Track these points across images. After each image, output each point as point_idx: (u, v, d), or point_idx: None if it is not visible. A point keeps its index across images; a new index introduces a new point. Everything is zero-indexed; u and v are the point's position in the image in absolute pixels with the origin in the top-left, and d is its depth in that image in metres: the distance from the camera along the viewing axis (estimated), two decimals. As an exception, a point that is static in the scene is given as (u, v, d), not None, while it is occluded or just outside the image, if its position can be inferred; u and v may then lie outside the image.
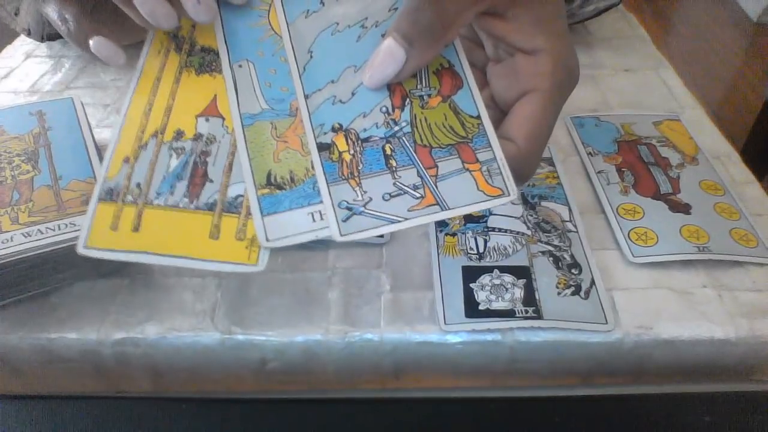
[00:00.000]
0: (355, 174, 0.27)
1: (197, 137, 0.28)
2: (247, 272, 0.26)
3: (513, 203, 0.40)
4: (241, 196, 0.27)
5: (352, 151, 0.27)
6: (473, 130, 0.28)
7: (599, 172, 0.44)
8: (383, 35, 0.28)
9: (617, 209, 0.40)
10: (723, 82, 1.88)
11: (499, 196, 0.26)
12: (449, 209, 0.26)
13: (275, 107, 0.28)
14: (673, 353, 0.34)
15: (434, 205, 0.26)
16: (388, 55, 0.26)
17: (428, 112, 0.28)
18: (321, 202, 0.26)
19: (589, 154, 0.45)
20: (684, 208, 0.40)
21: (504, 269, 0.36)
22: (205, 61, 0.29)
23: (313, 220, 0.26)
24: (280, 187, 0.27)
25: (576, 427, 0.32)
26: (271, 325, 0.34)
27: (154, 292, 0.35)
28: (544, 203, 0.40)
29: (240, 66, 0.29)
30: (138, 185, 0.27)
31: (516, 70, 0.28)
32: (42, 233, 0.33)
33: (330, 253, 0.38)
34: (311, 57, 0.29)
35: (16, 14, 0.56)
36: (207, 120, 0.29)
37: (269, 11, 0.29)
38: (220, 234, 0.27)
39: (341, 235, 0.26)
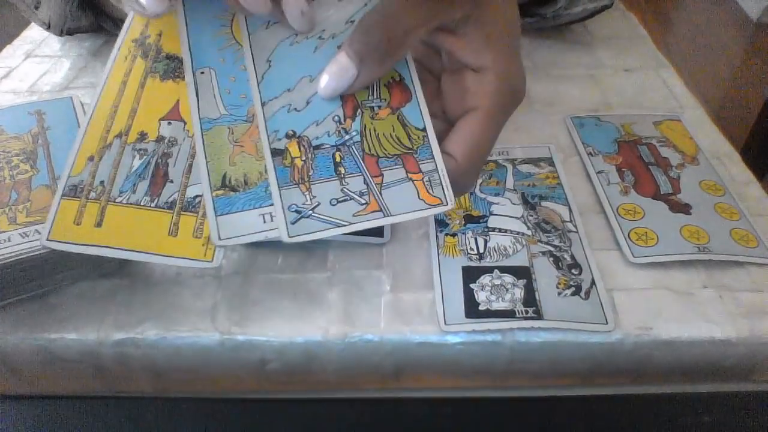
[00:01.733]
0: (306, 179, 0.28)
1: (159, 139, 0.30)
2: (201, 268, 0.28)
3: (513, 203, 0.40)
4: (200, 196, 0.29)
5: (304, 158, 0.28)
6: (418, 141, 0.29)
7: (599, 172, 0.44)
8: (339, 47, 0.29)
9: (617, 209, 0.40)
10: (723, 82, 1.88)
11: (437, 205, 0.28)
12: (391, 215, 0.28)
13: (233, 113, 0.29)
14: (673, 353, 0.34)
15: (378, 211, 0.28)
16: (341, 69, 0.28)
17: (377, 123, 0.29)
18: (272, 204, 0.27)
19: (590, 154, 0.45)
20: (684, 209, 0.40)
21: (504, 269, 0.36)
22: (169, 68, 0.31)
23: (264, 222, 0.27)
24: (234, 189, 0.28)
25: (576, 427, 0.32)
26: (271, 325, 0.34)
27: (154, 292, 0.35)
28: (544, 203, 0.40)
29: (202, 73, 0.30)
30: (102, 183, 0.29)
31: (462, 85, 0.29)
32: (40, 233, 0.33)
33: (330, 254, 0.38)
34: (270, 66, 0.30)
35: (36, 7, 0.56)
36: (169, 123, 0.30)
37: (232, 21, 0.31)
38: (179, 231, 0.29)
39: (289, 237, 0.27)
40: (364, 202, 0.28)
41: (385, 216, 0.28)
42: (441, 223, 0.39)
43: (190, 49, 0.30)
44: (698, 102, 0.53)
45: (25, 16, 0.58)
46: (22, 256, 0.32)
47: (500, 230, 0.38)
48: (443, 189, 0.28)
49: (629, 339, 0.33)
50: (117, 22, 0.56)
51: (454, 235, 0.38)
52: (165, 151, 0.30)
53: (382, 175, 0.28)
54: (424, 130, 0.29)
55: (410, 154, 0.29)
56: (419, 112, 0.29)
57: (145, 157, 0.30)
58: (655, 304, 0.35)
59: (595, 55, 0.59)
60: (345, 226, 0.27)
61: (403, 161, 0.29)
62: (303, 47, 0.30)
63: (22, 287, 0.34)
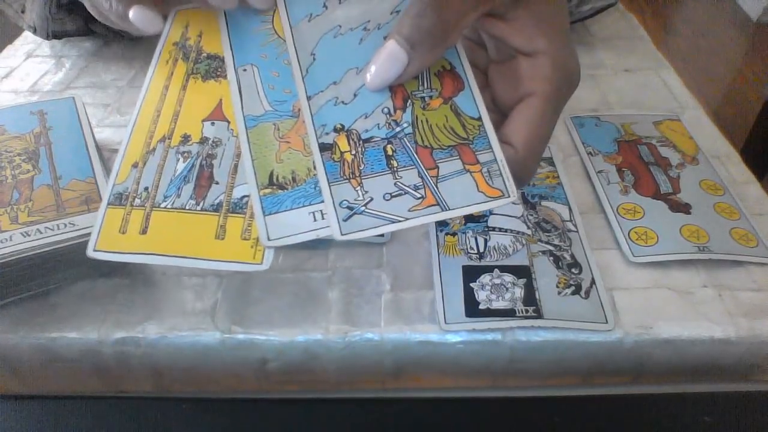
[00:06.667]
0: (357, 174, 0.27)
1: (203, 141, 0.29)
2: (251, 271, 0.26)
3: (513, 203, 0.40)
4: (247, 196, 0.28)
5: (353, 152, 0.27)
6: (474, 131, 0.28)
7: (599, 171, 0.44)
8: (385, 37, 0.28)
9: (617, 209, 0.40)
10: (723, 82, 1.88)
11: (498, 197, 0.27)
12: (449, 210, 0.26)
13: (278, 109, 0.28)
14: (673, 353, 0.34)
15: (435, 205, 0.26)
16: (391, 58, 0.27)
17: (429, 114, 0.28)
18: (322, 201, 0.26)
19: (590, 153, 0.45)
20: (684, 208, 0.40)
21: (504, 269, 0.36)
22: (211, 68, 0.30)
23: (314, 220, 0.26)
24: (282, 187, 0.27)
25: (576, 427, 0.32)
26: (272, 324, 0.34)
27: (154, 291, 0.35)
28: (544, 203, 0.40)
29: (245, 70, 0.29)
30: (146, 189, 0.28)
31: (516, 72, 0.28)
32: (41, 233, 0.33)
33: (330, 253, 0.38)
34: (314, 59, 0.29)
35: (22, 12, 0.56)
36: (212, 124, 0.29)
37: (273, 16, 0.30)
38: (226, 234, 0.27)
39: (342, 234, 0.26)
40: (419, 196, 0.26)
41: (443, 210, 0.26)
42: (441, 222, 0.39)
43: (231, 47, 0.30)
44: (698, 102, 0.53)
45: (14, 21, 0.58)
46: (23, 255, 0.32)
47: (500, 229, 0.38)
48: (504, 180, 0.27)
49: (629, 338, 0.33)
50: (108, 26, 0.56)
51: (454, 234, 0.38)
52: (209, 152, 0.29)
53: (438, 167, 0.27)
54: (479, 119, 0.28)
55: (466, 145, 0.27)
56: (473, 100, 0.28)
57: (189, 159, 0.29)
58: (655, 303, 0.35)
59: (595, 55, 0.60)
60: (400, 221, 0.26)
61: (459, 152, 0.27)
62: (348, 39, 0.29)
63: (23, 286, 0.34)
